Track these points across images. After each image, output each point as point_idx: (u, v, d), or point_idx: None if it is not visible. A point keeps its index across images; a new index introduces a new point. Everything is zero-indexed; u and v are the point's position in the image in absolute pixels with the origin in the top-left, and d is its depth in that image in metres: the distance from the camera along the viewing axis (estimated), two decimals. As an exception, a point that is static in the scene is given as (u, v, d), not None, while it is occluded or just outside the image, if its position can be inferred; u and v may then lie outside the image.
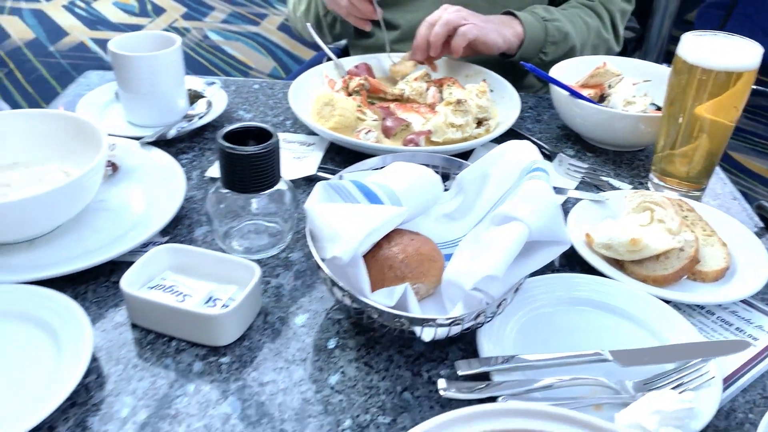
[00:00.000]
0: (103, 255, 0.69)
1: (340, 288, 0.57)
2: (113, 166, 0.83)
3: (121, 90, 0.95)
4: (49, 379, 0.56)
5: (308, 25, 1.17)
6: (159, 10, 3.99)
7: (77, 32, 3.66)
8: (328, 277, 0.58)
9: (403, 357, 0.62)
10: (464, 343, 0.63)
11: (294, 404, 0.57)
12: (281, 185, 0.72)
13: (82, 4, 4.04)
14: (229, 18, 3.92)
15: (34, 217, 0.68)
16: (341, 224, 0.58)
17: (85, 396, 0.57)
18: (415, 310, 0.57)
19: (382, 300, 0.57)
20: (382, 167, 0.73)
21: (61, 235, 0.73)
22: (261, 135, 0.70)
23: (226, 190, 0.70)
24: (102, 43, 3.53)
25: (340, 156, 0.93)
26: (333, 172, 0.87)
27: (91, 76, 1.14)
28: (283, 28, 3.79)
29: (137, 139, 0.89)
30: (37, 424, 0.52)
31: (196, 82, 1.04)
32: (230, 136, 0.69)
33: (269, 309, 0.67)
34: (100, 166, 0.72)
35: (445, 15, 1.01)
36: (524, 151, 0.67)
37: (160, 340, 0.63)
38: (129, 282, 0.63)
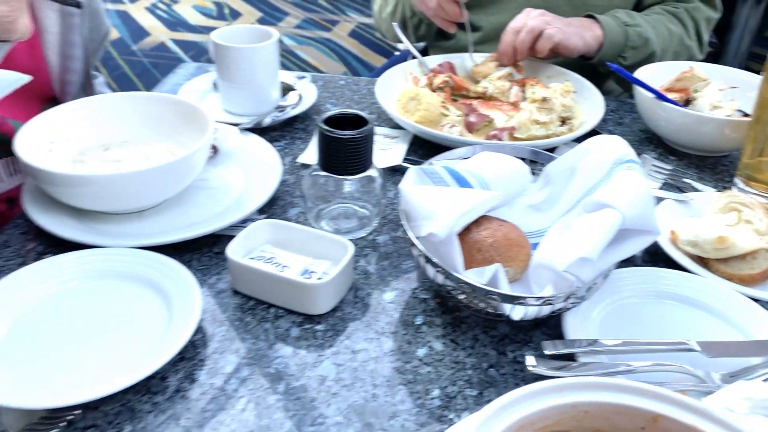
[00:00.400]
0: (207, 227, 0.74)
1: (434, 264, 0.60)
2: (214, 149, 0.88)
3: (220, 79, 1.01)
4: (161, 334, 0.61)
5: (394, 24, 1.21)
6: (235, 14, 4.14)
7: (158, 33, 3.84)
8: (422, 254, 0.61)
9: (488, 337, 0.64)
10: (548, 328, 0.65)
11: (385, 372, 0.60)
12: (372, 171, 0.75)
13: (163, 6, 4.23)
14: (302, 23, 4.03)
15: (145, 189, 0.74)
16: (437, 203, 0.61)
17: (193, 352, 0.61)
18: (506, 290, 0.59)
19: (474, 278, 0.59)
20: (469, 157, 0.76)
21: (168, 208, 0.79)
22: (357, 122, 0.74)
23: (322, 172, 0.74)
24: (181, 44, 3.69)
25: (423, 149, 0.96)
26: (417, 163, 0.91)
27: (188, 67, 1.21)
28: (354, 34, 3.88)
29: (235, 125, 0.95)
30: (151, 374, 0.56)
31: (288, 76, 1.09)
32: (329, 121, 0.73)
33: (359, 285, 0.70)
34: (205, 147, 0.77)
35: (530, 21, 1.03)
36: (614, 144, 0.69)
37: (259, 306, 0.67)
38: (233, 251, 0.67)
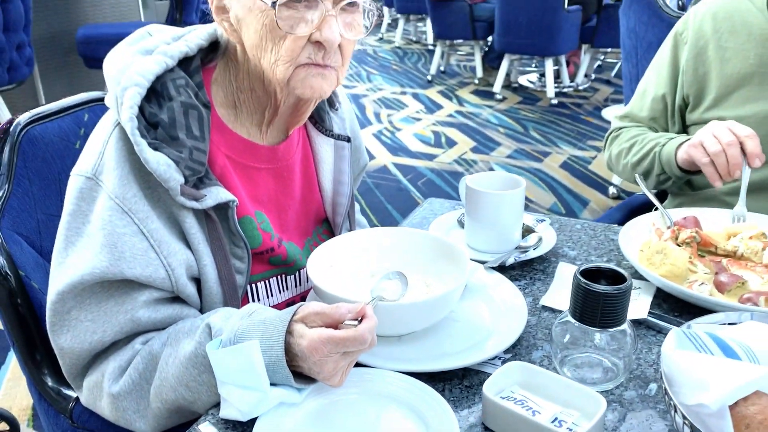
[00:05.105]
0: (462, 361, 0.80)
1: (702, 436, 0.59)
2: (463, 284, 0.96)
3: (468, 218, 1.11)
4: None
5: (637, 176, 1.24)
6: (451, 143, 4.44)
7: (382, 156, 4.23)
8: (688, 423, 0.60)
9: None
10: None
11: None
12: (625, 326, 0.77)
13: (388, 134, 4.68)
14: (513, 153, 4.20)
15: (411, 318, 0.83)
16: (708, 373, 0.60)
17: (449, 482, 0.66)
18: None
19: (747, 458, 0.57)
20: (728, 323, 0.75)
21: (423, 336, 0.87)
22: (613, 276, 0.77)
23: (574, 321, 0.77)
24: (400, 167, 4.02)
25: (667, 303, 0.95)
26: (662, 318, 0.90)
27: (434, 203, 1.34)
28: (566, 166, 3.93)
29: (481, 263, 1.03)
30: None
31: (528, 218, 1.16)
32: (585, 273, 0.77)
33: (608, 441, 0.70)
34: (462, 284, 0.85)
35: None
36: None
37: (509, 447, 0.70)
38: (488, 388, 0.72)
